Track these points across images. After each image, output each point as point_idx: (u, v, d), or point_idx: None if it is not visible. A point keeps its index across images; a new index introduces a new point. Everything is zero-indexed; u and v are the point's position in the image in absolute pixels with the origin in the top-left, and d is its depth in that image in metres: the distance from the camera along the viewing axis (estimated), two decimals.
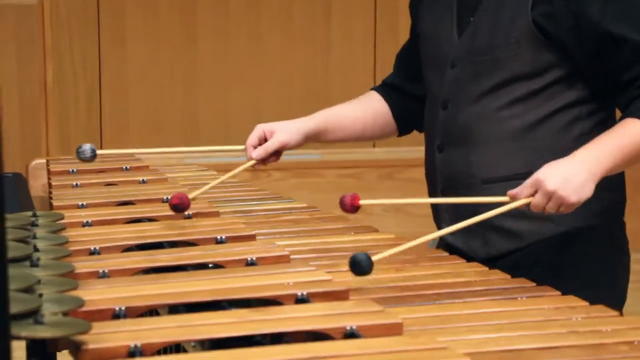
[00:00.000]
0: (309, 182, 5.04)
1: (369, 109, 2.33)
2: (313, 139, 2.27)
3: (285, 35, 5.02)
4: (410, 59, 2.31)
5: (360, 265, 1.70)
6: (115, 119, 4.97)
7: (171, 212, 2.13)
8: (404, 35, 5.10)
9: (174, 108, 5.01)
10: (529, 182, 1.84)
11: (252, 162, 2.21)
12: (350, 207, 1.96)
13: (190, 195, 2.08)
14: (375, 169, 5.15)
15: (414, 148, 5.24)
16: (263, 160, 2.22)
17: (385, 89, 2.36)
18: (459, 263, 1.92)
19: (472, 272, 1.86)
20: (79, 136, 4.93)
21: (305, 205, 2.36)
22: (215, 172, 2.72)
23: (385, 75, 5.58)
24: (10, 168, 4.53)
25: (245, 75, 5.01)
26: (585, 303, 1.67)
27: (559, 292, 1.74)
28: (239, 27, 5.01)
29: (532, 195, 1.84)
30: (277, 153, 2.23)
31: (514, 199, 1.86)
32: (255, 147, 2.22)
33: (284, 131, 2.23)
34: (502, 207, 1.86)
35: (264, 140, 2.23)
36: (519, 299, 1.70)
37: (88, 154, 2.24)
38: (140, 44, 4.95)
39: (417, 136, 5.40)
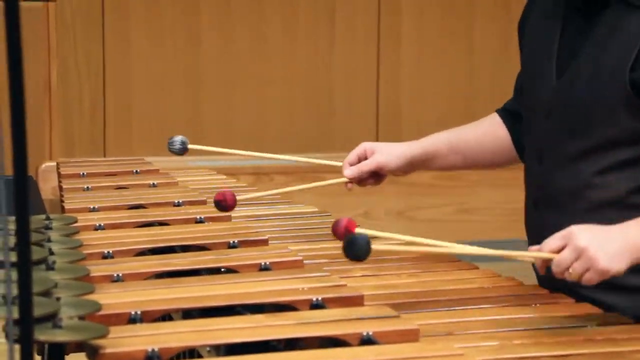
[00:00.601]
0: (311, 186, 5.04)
1: (487, 133, 2.13)
2: (420, 165, 2.11)
3: (288, 34, 5.02)
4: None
5: (356, 248, 1.55)
6: (120, 120, 4.97)
7: (183, 216, 2.14)
8: (406, 36, 5.15)
9: (178, 108, 5.01)
10: (559, 234, 1.61)
11: (344, 179, 2.13)
12: (345, 231, 1.82)
13: (239, 197, 2.05)
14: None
15: None
16: (359, 181, 2.11)
17: (506, 113, 2.15)
18: (469, 269, 1.93)
19: (484, 279, 1.86)
20: (83, 137, 4.93)
21: (316, 209, 2.37)
22: (225, 176, 2.72)
23: (388, 74, 5.58)
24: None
25: (249, 74, 5.01)
26: (599, 310, 1.68)
27: (572, 300, 1.74)
28: (242, 26, 5.01)
29: (560, 250, 1.60)
30: (376, 175, 2.10)
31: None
32: (352, 165, 2.10)
33: (384, 152, 2.08)
34: (526, 257, 1.66)
35: (364, 159, 2.10)
36: (532, 306, 1.71)
37: (177, 145, 2.22)
38: (145, 44, 4.95)
39: None
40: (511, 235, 5.11)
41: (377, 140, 5.19)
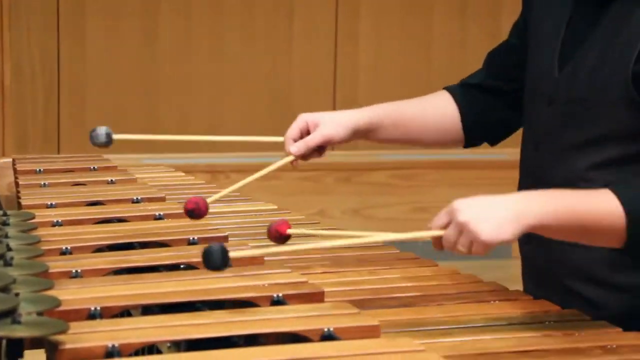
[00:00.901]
0: (267, 184, 5.02)
1: (434, 110, 2.04)
2: (363, 135, 2.00)
3: (246, 33, 5.02)
4: (505, 60, 2.04)
5: (213, 259, 1.54)
6: (74, 119, 4.94)
7: (141, 213, 2.13)
8: (364, 38, 5.17)
9: (133, 109, 4.99)
10: (444, 210, 1.61)
11: (291, 157, 1.97)
12: (276, 233, 1.82)
13: (209, 200, 1.91)
14: (333, 172, 5.16)
15: (372, 152, 5.28)
16: (303, 156, 1.98)
17: (462, 90, 2.07)
18: (429, 267, 1.94)
19: (443, 276, 1.87)
20: (36, 136, 4.89)
21: (275, 207, 2.36)
22: (183, 173, 2.71)
23: (346, 74, 5.58)
24: None
25: (206, 76, 5.00)
26: (557, 307, 1.69)
27: (530, 297, 1.76)
28: (200, 25, 5.00)
29: (446, 226, 1.59)
30: (320, 148, 1.98)
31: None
32: (295, 141, 1.98)
33: (329, 123, 1.96)
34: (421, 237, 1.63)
35: (306, 132, 1.98)
36: (491, 302, 1.72)
37: (103, 139, 2.04)
38: (100, 42, 4.93)
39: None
40: None
41: None
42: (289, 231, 1.83)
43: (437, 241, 1.60)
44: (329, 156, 5.71)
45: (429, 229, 1.61)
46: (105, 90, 4.95)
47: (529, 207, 1.57)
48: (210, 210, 2.28)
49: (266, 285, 1.69)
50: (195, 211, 1.83)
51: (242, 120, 5.02)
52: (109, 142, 2.02)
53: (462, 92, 2.05)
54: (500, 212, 1.55)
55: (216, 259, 1.54)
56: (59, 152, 4.88)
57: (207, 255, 1.55)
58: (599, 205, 1.60)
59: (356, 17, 5.10)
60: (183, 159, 4.83)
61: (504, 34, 5.76)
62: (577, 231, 1.60)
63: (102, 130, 2.02)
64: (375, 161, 5.17)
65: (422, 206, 5.14)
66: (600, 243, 1.65)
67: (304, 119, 1.98)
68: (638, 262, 1.73)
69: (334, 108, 5.12)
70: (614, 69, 1.75)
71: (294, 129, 1.98)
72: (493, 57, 2.07)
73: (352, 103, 5.17)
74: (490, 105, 2.03)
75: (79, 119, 4.95)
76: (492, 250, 1.58)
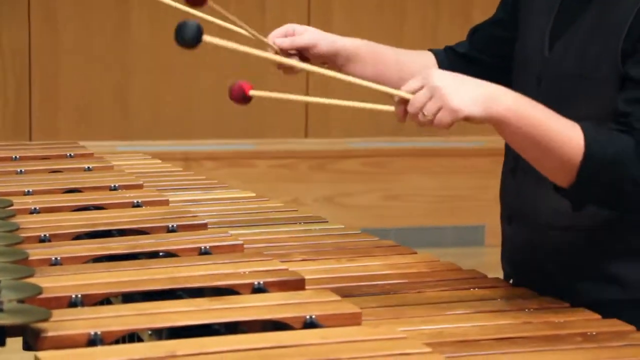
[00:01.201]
0: (241, 171, 5.04)
1: (415, 61, 2.03)
2: (343, 60, 1.97)
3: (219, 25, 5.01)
4: (491, 34, 2.02)
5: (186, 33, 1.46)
6: (45, 109, 4.92)
7: (119, 200, 2.12)
8: (337, 23, 5.16)
9: (105, 97, 4.97)
10: (419, 75, 1.62)
11: (272, 55, 1.90)
12: (238, 93, 1.78)
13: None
14: (307, 160, 5.17)
15: (346, 140, 5.29)
16: (285, 52, 1.93)
17: (446, 55, 2.06)
18: (408, 254, 1.94)
19: (422, 264, 1.88)
20: (7, 125, 4.86)
21: (253, 194, 2.37)
22: (160, 161, 2.70)
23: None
24: None
25: (178, 61, 4.98)
26: (535, 293, 1.70)
27: (509, 284, 1.77)
28: (172, 13, 4.98)
29: (417, 91, 1.61)
30: (301, 55, 1.94)
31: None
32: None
33: (315, 33, 1.95)
34: (384, 90, 1.64)
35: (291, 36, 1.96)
36: (471, 290, 1.73)
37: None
38: (72, 31, 4.90)
39: (351, 128, 5.41)
40: (438, 222, 5.17)
41: (306, 127, 5.20)
42: (251, 92, 1.79)
43: (402, 107, 1.61)
44: (303, 144, 5.70)
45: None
46: (77, 78, 4.93)
47: (503, 97, 1.61)
48: (188, 197, 2.29)
49: (247, 272, 1.69)
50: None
51: (214, 109, 5.01)
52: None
53: (447, 57, 2.06)
54: (475, 88, 1.60)
55: (190, 32, 1.47)
56: (30, 140, 4.85)
57: (180, 29, 1.48)
58: (565, 131, 1.63)
59: (329, 11, 5.10)
60: (157, 146, 4.83)
61: (474, 15, 5.73)
62: (533, 142, 1.62)
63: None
64: (349, 148, 5.18)
65: (394, 194, 5.16)
66: (548, 166, 1.66)
67: (291, 26, 1.98)
68: (577, 207, 1.72)
69: (307, 94, 5.13)
70: (604, 46, 1.75)
71: (280, 31, 1.98)
72: (478, 31, 2.07)
73: (324, 94, 5.18)
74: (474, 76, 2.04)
75: (51, 108, 4.92)
76: (452, 127, 1.60)
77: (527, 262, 1.85)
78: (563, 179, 1.64)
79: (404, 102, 1.61)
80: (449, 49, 2.08)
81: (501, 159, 1.96)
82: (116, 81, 4.96)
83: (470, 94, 1.58)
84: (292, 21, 5.70)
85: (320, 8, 5.09)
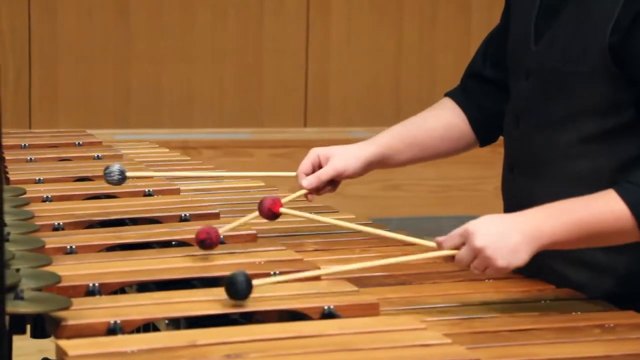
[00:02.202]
0: (239, 161, 5.03)
1: (440, 122, 2.02)
2: (376, 165, 1.99)
3: (217, 8, 5.00)
4: (500, 45, 1.99)
5: (237, 288, 1.49)
6: (45, 95, 4.90)
7: (131, 189, 2.12)
8: (336, 14, 5.16)
9: (105, 83, 4.96)
10: (458, 231, 1.61)
11: (304, 191, 1.94)
12: (268, 212, 1.83)
13: (221, 230, 1.78)
14: (306, 149, 5.14)
15: (344, 129, 5.28)
16: (317, 190, 1.95)
17: (463, 92, 2.04)
18: (420, 245, 1.94)
19: None
20: (7, 112, 4.85)
21: (262, 184, 2.37)
22: (167, 150, 2.70)
23: (317, 50, 5.56)
24: None
25: (177, 48, 4.97)
26: (552, 286, 1.71)
27: (522, 275, 1.77)
28: (172, 2, 4.98)
29: (459, 247, 1.60)
30: (333, 182, 1.96)
31: (440, 246, 1.62)
32: (307, 175, 1.96)
33: (340, 157, 1.95)
34: (428, 255, 1.64)
35: (318, 166, 1.96)
36: (486, 281, 1.73)
37: (116, 176, 1.95)
38: (72, 16, 4.89)
39: (351, 117, 5.40)
40: (438, 212, 5.17)
41: (305, 116, 5.20)
42: (282, 210, 1.84)
43: (449, 259, 1.62)
44: (301, 133, 5.70)
45: (439, 244, 1.61)
46: (77, 65, 4.92)
47: (541, 229, 1.59)
48: (199, 187, 2.29)
49: (262, 262, 1.70)
50: (207, 241, 1.74)
51: (213, 97, 5.01)
52: (122, 179, 1.96)
53: (463, 94, 2.04)
54: (514, 238, 1.58)
55: (240, 288, 1.50)
56: (30, 128, 4.84)
57: (230, 285, 1.50)
58: (606, 211, 1.62)
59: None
60: (156, 134, 4.82)
61: (474, 7, 5.73)
62: (589, 240, 1.63)
63: (115, 167, 1.95)
64: (348, 138, 5.18)
65: (394, 184, 5.16)
66: (616, 243, 1.67)
67: (315, 153, 1.99)
68: None
69: (305, 85, 5.12)
70: (590, 40, 1.74)
71: (306, 163, 1.98)
72: (488, 43, 2.05)
73: (323, 80, 5.18)
74: (495, 98, 2.01)
75: (50, 94, 4.91)
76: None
77: (533, 260, 1.86)
78: (633, 240, 1.65)
79: (450, 257, 1.61)
80: (464, 79, 2.05)
81: (502, 150, 1.96)
82: (116, 69, 4.95)
83: (511, 247, 1.57)
84: (290, 4, 5.66)
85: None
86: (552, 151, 1.80)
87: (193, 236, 1.81)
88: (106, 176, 1.95)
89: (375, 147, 1.98)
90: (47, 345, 1.63)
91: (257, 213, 1.86)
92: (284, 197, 1.92)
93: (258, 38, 5.06)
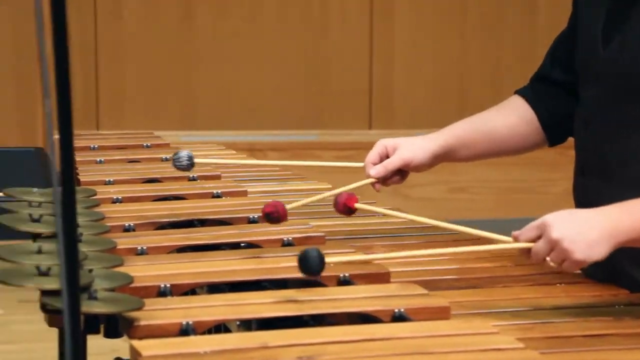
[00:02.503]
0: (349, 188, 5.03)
1: (509, 119, 2.02)
2: (442, 158, 2.00)
3: (282, 11, 5.01)
4: (568, 49, 1.98)
5: (309, 263, 1.51)
6: (112, 97, 4.95)
7: (199, 190, 2.13)
8: (399, 14, 5.14)
9: (171, 86, 5.00)
10: (535, 223, 1.59)
11: (371, 180, 1.97)
12: (343, 207, 1.84)
13: (288, 206, 1.83)
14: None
15: (409, 131, 5.27)
16: (384, 180, 1.97)
17: (533, 90, 2.04)
18: (496, 240, 1.92)
19: (506, 257, 1.86)
20: (75, 113, 4.90)
21: (329, 185, 2.36)
22: (235, 151, 2.71)
23: (381, 53, 5.56)
24: (29, 143, 4.52)
25: (243, 51, 5.00)
26: (625, 291, 1.68)
27: (592, 280, 1.75)
28: (237, 3, 5.00)
29: (536, 239, 1.58)
30: (400, 172, 1.98)
31: (516, 240, 1.61)
32: (375, 164, 1.97)
33: (408, 147, 1.96)
34: (505, 245, 1.64)
35: (385, 157, 1.98)
36: (557, 285, 1.71)
37: (185, 161, 1.98)
38: (138, 19, 4.93)
39: (415, 118, 5.39)
40: (504, 214, 5.14)
41: (370, 118, 5.19)
42: (357, 205, 1.83)
43: (525, 252, 1.61)
44: (367, 135, 5.70)
45: (515, 237, 1.60)
46: (143, 67, 4.96)
47: (620, 225, 1.58)
48: (266, 188, 2.29)
49: (332, 264, 1.69)
50: (274, 214, 1.78)
51: (280, 97, 5.02)
52: (191, 164, 1.99)
53: (534, 93, 2.03)
54: (593, 232, 1.56)
55: (313, 263, 1.51)
56: (97, 129, 4.89)
57: (303, 260, 1.52)
58: None
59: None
60: (221, 136, 4.84)
61: (540, 11, 5.70)
62: None
63: (183, 153, 1.99)
64: None
65: (459, 186, 5.14)
66: None
67: (382, 143, 2.00)
68: None
69: (370, 87, 5.12)
70: None
71: (374, 153, 1.99)
72: (556, 47, 2.03)
73: (387, 83, 5.16)
74: (564, 101, 2.00)
75: (118, 97, 4.96)
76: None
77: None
78: None
79: (527, 250, 1.60)
80: (534, 80, 2.04)
81: (569, 152, 1.95)
82: (181, 71, 4.99)
83: (590, 241, 1.56)
84: (354, 7, 5.68)
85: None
86: (622, 155, 1.79)
87: (262, 238, 1.82)
88: (175, 162, 1.99)
89: (442, 139, 1.98)
90: (119, 344, 1.65)
91: (323, 195, 1.88)
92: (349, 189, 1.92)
93: (323, 41, 5.07)
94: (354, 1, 5.07)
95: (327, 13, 5.05)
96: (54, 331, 1.93)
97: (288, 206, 1.80)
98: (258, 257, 1.73)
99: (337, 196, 1.85)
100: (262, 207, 2.03)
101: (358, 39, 5.10)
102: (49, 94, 1.18)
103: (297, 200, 1.95)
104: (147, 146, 2.58)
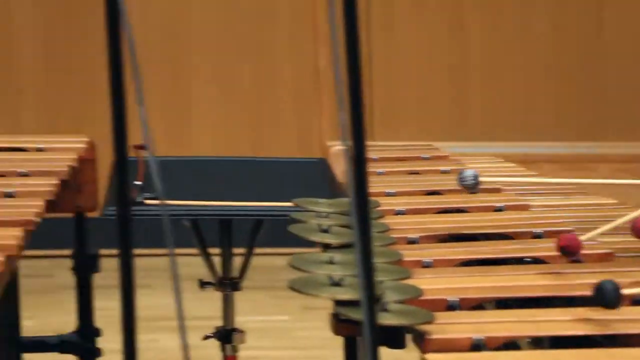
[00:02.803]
0: (581, 175, 4.92)
1: None
2: None
3: (554, 22, 4.94)
4: None
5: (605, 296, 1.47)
6: (386, 108, 5.01)
7: (481, 204, 2.12)
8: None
9: (443, 96, 5.01)
10: None
11: None
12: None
13: (583, 237, 1.76)
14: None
15: None
16: None
17: None
18: None
19: None
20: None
21: (614, 201, 2.29)
22: (513, 164, 2.68)
23: None
24: (309, 153, 4.65)
25: (513, 63, 4.95)
26: None
27: None
28: (509, 14, 4.96)
29: None
30: None
31: None
32: None
33: None
34: None
35: None
36: None
37: (470, 180, 2.04)
38: (409, 31, 4.97)
39: None
40: None
41: None
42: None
43: None
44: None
45: None
46: (415, 80, 5.00)
47: None
48: (548, 202, 2.25)
49: (625, 283, 1.63)
50: (568, 248, 1.72)
51: (553, 108, 4.94)
52: (476, 184, 2.04)
53: None
54: None
55: (609, 295, 1.48)
56: (373, 140, 4.96)
57: (599, 291, 1.49)
58: None
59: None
60: (493, 147, 4.81)
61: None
62: None
63: (469, 172, 2.02)
64: None
65: None
66: None
67: None
68: None
69: None
70: None
71: None
72: None
73: None
74: None
75: (390, 109, 5.01)
76: None
77: None
78: None
79: None
80: None
81: None
82: (452, 81, 4.99)
83: None
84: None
85: None
86: None
87: (547, 253, 1.78)
88: (460, 180, 2.02)
89: None
90: (401, 355, 1.65)
91: (616, 222, 1.79)
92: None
93: (598, 48, 4.96)
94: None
95: (602, 18, 4.93)
96: (338, 339, 1.96)
97: (583, 237, 1.73)
98: (546, 273, 1.70)
99: (635, 220, 1.78)
100: (546, 222, 1.99)
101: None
102: (343, 106, 1.19)
103: (587, 220, 1.88)
104: (426, 158, 2.58)
